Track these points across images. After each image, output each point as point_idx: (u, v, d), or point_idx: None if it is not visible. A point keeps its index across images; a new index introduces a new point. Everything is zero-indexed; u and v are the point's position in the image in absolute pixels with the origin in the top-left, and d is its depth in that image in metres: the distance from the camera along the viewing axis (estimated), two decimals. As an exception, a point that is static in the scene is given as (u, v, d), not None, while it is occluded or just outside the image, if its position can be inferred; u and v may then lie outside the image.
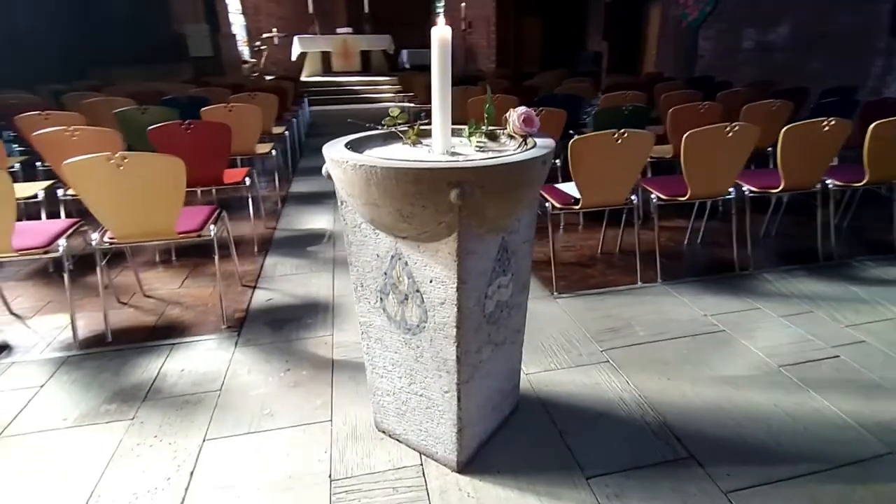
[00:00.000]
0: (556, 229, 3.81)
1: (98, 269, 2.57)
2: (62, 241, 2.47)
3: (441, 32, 1.39)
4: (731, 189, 2.93)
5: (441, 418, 1.63)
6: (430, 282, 1.44)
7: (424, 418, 1.68)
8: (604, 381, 2.12)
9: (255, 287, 3.07)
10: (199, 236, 2.59)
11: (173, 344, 2.49)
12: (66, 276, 2.48)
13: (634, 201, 2.85)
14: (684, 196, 2.85)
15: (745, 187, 2.99)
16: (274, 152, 4.45)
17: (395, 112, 1.71)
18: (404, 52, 13.69)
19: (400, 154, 1.50)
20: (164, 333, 2.59)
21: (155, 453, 1.81)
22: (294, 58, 13.27)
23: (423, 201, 1.28)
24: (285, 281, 3.13)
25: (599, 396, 2.03)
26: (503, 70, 10.17)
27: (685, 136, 2.62)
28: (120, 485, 1.67)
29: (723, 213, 3.85)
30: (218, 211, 2.79)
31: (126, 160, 2.26)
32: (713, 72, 6.70)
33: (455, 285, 1.39)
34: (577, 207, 2.79)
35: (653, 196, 2.92)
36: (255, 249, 3.61)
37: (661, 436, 1.82)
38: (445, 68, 1.44)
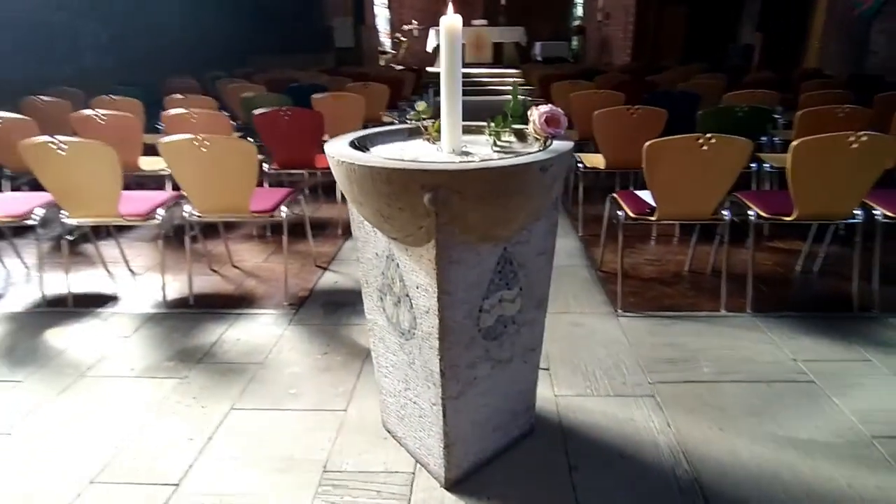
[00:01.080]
0: (644, 240, 3.47)
1: (186, 239, 2.88)
2: (161, 211, 2.79)
3: (449, 22, 1.30)
4: (856, 211, 2.41)
5: (431, 430, 1.56)
6: (417, 288, 1.37)
7: (418, 427, 1.62)
8: (641, 417, 1.88)
9: (326, 268, 3.22)
10: (271, 216, 2.77)
11: (239, 314, 2.70)
12: (160, 242, 2.81)
13: (726, 217, 2.48)
14: (790, 216, 2.40)
15: (878, 211, 2.44)
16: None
17: (422, 107, 1.65)
18: (537, 45, 13.41)
19: (407, 151, 1.45)
20: (236, 303, 2.81)
21: (188, 413, 1.97)
22: (430, 49, 13.65)
23: (398, 203, 1.21)
24: (356, 266, 3.23)
25: (630, 434, 1.80)
26: (635, 63, 9.47)
27: (793, 144, 2.20)
28: (151, 436, 1.85)
29: (845, 237, 3.20)
30: (293, 193, 2.95)
31: (208, 143, 2.48)
32: (887, 71, 5.58)
33: (436, 295, 1.31)
34: (652, 218, 2.50)
35: (750, 213, 2.51)
36: (339, 232, 3.78)
37: (687, 494, 1.56)
38: (455, 61, 1.35)
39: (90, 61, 7.80)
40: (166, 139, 2.52)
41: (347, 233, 3.73)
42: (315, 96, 4.43)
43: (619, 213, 2.58)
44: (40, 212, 2.75)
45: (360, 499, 1.58)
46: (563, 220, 3.27)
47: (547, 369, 2.16)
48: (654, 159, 2.29)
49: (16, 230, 3.37)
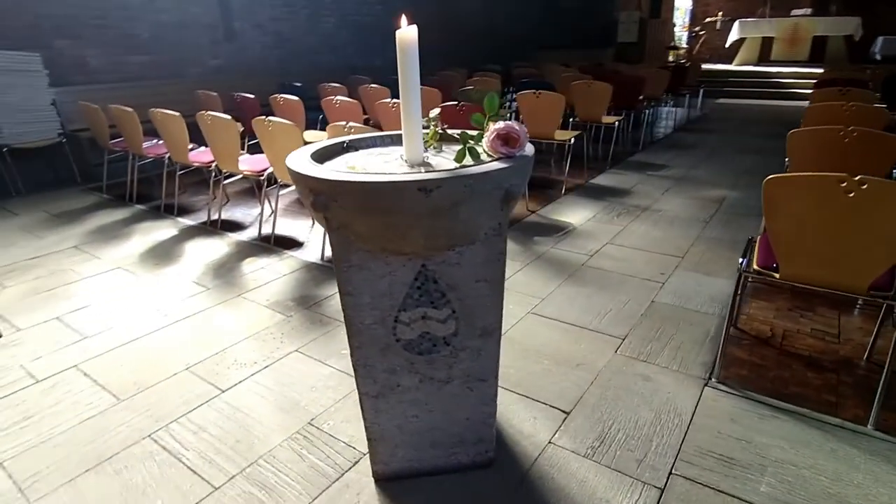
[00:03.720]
0: (832, 303, 2.58)
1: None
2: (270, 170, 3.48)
3: (405, 33, 1.32)
4: None
5: (363, 420, 1.64)
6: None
7: (366, 413, 1.72)
8: (624, 505, 1.56)
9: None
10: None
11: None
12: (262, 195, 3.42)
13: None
14: None
15: None
16: (572, 140, 4.45)
17: (435, 113, 1.68)
18: (879, 40, 10.37)
19: (370, 159, 1.50)
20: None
21: (267, 342, 2.46)
22: (728, 44, 11.99)
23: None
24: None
25: (593, 517, 1.53)
26: None
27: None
28: (234, 351, 2.40)
29: None
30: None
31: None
32: None
33: (340, 295, 1.39)
34: (776, 276, 1.90)
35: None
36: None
37: None
38: (412, 71, 1.36)
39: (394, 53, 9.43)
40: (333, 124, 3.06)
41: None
42: (519, 93, 4.54)
43: (742, 259, 2.03)
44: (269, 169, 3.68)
45: (312, 454, 1.78)
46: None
47: (566, 413, 1.93)
48: (773, 200, 1.74)
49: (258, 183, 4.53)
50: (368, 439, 1.61)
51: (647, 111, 6.31)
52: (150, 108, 4.09)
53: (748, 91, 10.23)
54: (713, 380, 2.08)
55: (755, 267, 1.98)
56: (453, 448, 1.66)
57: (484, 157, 1.36)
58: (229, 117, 3.56)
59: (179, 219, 4.24)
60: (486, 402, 1.61)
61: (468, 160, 1.36)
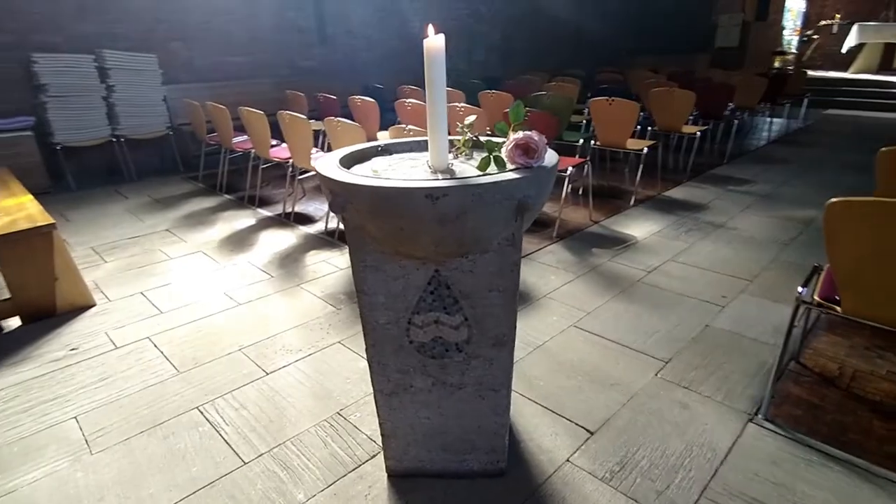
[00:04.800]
0: (849, 332, 2.29)
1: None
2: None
3: (432, 43, 1.36)
4: None
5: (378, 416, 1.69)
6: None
7: (387, 410, 1.77)
8: (630, 534, 1.49)
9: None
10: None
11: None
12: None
13: None
14: None
15: None
16: (645, 150, 4.26)
17: (470, 120, 1.70)
18: None
19: (397, 164, 1.55)
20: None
21: (314, 331, 2.60)
22: (845, 49, 10.87)
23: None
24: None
25: (596, 541, 1.48)
26: None
27: None
28: (293, 338, 2.56)
29: None
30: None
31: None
32: None
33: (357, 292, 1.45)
34: (838, 310, 1.72)
35: None
36: (553, 235, 3.79)
37: None
38: (439, 80, 1.39)
39: (480, 56, 9.52)
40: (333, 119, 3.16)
41: (559, 237, 3.74)
42: (593, 100, 4.43)
43: (802, 289, 1.86)
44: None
45: (335, 442, 1.87)
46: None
47: (590, 433, 1.88)
48: (834, 225, 1.58)
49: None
50: (382, 435, 1.66)
51: (736, 121, 5.89)
52: (238, 106, 4.43)
53: (863, 102, 9.21)
54: (759, 416, 1.93)
55: (816, 298, 1.82)
56: (464, 454, 1.67)
57: (510, 165, 1.37)
58: (304, 116, 3.78)
59: (259, 210, 4.56)
60: (498, 413, 1.60)
61: (493, 168, 1.37)
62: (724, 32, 10.39)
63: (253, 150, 4.64)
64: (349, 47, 7.87)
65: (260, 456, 1.83)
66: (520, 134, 1.34)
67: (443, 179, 1.27)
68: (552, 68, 8.17)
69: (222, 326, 2.68)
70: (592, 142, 4.44)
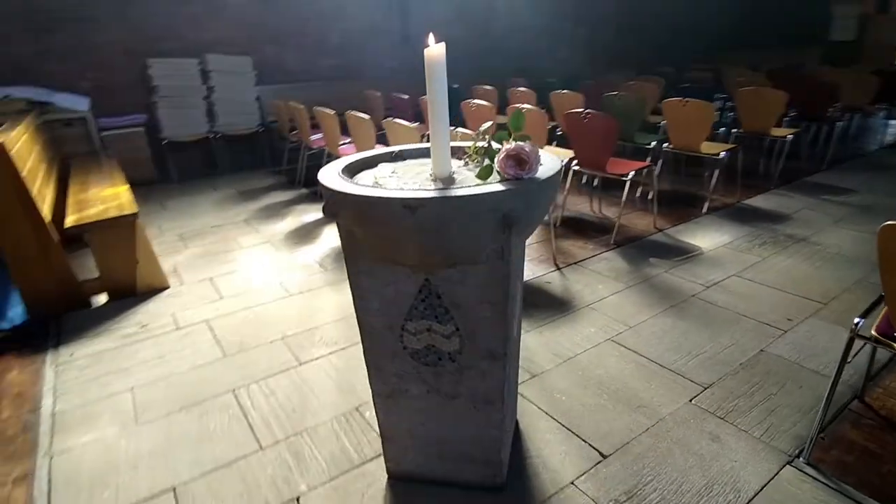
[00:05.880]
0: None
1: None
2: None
3: (433, 51, 1.36)
4: None
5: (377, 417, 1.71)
6: (362, 286, 1.55)
7: (393, 411, 1.80)
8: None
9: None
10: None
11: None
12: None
13: None
14: None
15: None
16: (723, 154, 3.93)
17: (485, 126, 1.67)
18: None
19: (400, 171, 1.56)
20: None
21: (355, 329, 2.69)
22: None
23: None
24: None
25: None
26: None
27: None
28: (332, 331, 2.67)
29: None
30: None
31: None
32: None
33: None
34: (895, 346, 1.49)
35: None
36: (611, 241, 3.62)
37: None
38: (440, 88, 1.39)
39: (564, 54, 9.28)
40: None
41: (616, 244, 3.57)
42: (667, 100, 4.15)
43: (860, 319, 1.63)
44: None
45: (346, 437, 1.93)
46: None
47: (603, 456, 1.78)
48: (890, 250, 1.37)
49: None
50: (382, 437, 1.69)
51: (839, 123, 5.24)
52: (315, 106, 4.67)
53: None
54: (801, 459, 1.72)
55: (873, 332, 1.59)
56: (462, 464, 1.66)
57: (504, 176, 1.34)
58: (367, 116, 3.90)
59: (327, 205, 4.78)
60: (493, 426, 1.57)
61: (495, 177, 1.35)
62: (840, 25, 9.25)
63: (326, 147, 4.87)
64: (430, 47, 7.98)
65: (276, 443, 1.93)
66: (513, 145, 1.30)
67: (425, 189, 1.26)
68: (641, 66, 7.76)
69: (271, 315, 2.85)
70: (665, 144, 4.16)
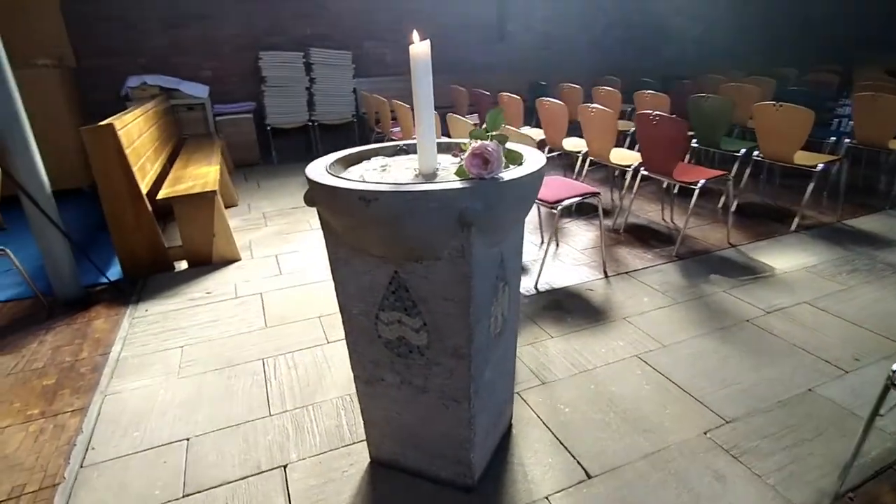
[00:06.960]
0: None
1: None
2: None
3: (418, 49, 1.38)
4: None
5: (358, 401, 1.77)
6: (352, 273, 1.62)
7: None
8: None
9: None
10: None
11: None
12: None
13: None
14: None
15: None
16: (820, 166, 3.47)
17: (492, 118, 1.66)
18: None
19: (391, 165, 1.59)
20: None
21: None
22: None
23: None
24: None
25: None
26: None
27: None
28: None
29: None
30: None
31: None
32: None
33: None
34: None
35: None
36: (673, 254, 3.37)
37: None
38: (425, 85, 1.42)
39: (672, 52, 8.71)
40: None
41: (677, 257, 3.31)
42: (757, 104, 3.75)
43: (901, 370, 1.39)
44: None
45: (344, 416, 2.02)
46: None
47: (588, 476, 1.70)
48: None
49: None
50: (363, 420, 1.75)
51: None
52: (393, 99, 4.84)
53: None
54: (846, 497, 1.52)
55: (912, 383, 1.35)
56: (433, 458, 1.67)
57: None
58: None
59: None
60: (462, 425, 1.56)
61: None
62: None
63: (402, 138, 5.02)
64: (525, 44, 7.88)
65: (283, 412, 2.07)
66: (478, 144, 1.28)
67: (383, 183, 1.29)
68: (757, 65, 7.03)
69: (315, 294, 3.03)
70: (756, 153, 3.76)
